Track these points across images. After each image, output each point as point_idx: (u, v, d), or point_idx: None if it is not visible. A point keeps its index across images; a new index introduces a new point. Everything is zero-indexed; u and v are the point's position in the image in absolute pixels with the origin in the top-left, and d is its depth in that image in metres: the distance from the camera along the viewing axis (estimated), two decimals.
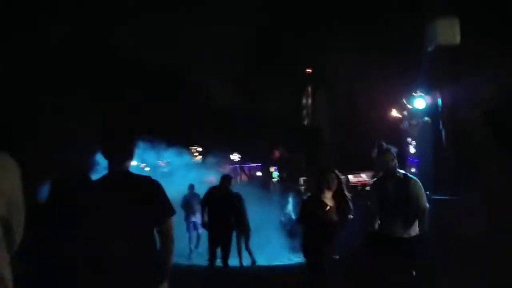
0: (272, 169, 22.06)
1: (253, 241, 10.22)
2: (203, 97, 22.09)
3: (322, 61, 21.68)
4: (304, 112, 29.00)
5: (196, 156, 20.23)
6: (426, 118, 8.88)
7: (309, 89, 29.43)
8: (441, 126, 8.15)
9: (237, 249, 9.47)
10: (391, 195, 4.81)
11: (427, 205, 4.84)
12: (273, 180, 19.60)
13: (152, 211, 2.69)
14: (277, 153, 21.96)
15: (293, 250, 11.14)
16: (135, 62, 18.84)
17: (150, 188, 2.76)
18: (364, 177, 23.59)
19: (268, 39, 23.66)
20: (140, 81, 18.89)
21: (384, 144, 4.95)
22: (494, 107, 7.87)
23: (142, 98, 18.54)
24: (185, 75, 21.37)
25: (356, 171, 23.27)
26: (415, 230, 4.76)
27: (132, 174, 2.81)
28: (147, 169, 16.97)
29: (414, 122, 9.25)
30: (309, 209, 4.94)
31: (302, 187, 13.19)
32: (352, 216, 4.89)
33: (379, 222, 4.89)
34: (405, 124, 9.67)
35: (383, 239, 4.81)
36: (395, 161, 4.90)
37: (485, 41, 7.87)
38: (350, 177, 24.36)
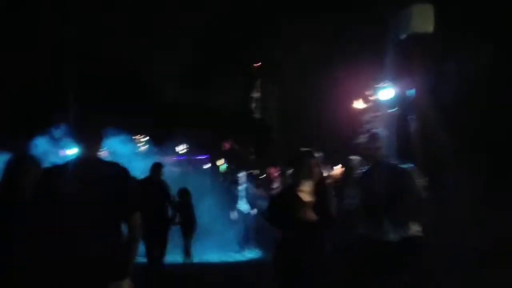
0: (220, 161, 21.10)
1: (204, 237, 9.40)
2: (152, 86, 20.92)
3: (274, 52, 21.08)
4: (253, 105, 28.34)
5: (141, 146, 18.89)
6: (392, 110, 8.27)
7: (258, 82, 28.81)
8: (409, 119, 7.54)
9: (184, 247, 8.46)
10: (378, 190, 3.95)
11: (425, 198, 3.94)
12: (222, 172, 18.66)
13: (121, 202, 2.54)
14: (227, 146, 21.03)
15: (245, 245, 10.41)
16: (83, 50, 17.74)
17: (121, 177, 2.62)
18: None
19: (219, 29, 22.78)
20: (87, 68, 17.75)
21: (372, 129, 4.16)
22: (462, 100, 7.46)
23: (88, 84, 17.40)
24: (135, 63, 20.25)
25: None
26: (407, 231, 3.95)
27: (102, 160, 2.72)
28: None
29: (378, 114, 8.62)
30: (282, 206, 3.67)
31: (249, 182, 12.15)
32: (334, 216, 3.84)
33: (363, 223, 4.04)
34: (368, 117, 9.01)
35: (368, 245, 3.95)
36: (383, 149, 4.08)
37: (458, 30, 7.45)
38: None
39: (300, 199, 3.63)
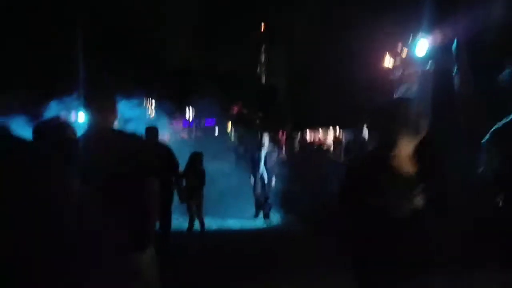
0: (228, 125, 20.30)
1: (223, 203, 8.78)
2: (157, 50, 19.93)
3: (283, 10, 19.95)
4: (259, 69, 27.33)
5: (148, 109, 18.12)
6: (428, 67, 7.30)
7: (263, 46, 27.69)
8: (451, 76, 6.59)
9: (189, 215, 7.43)
10: None
11: None
12: (238, 137, 17.87)
13: (139, 171, 2.39)
14: (235, 109, 20.19)
15: (266, 211, 9.70)
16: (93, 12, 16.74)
17: (138, 147, 2.48)
18: (321, 135, 22.64)
19: None
20: (94, 31, 16.80)
21: None
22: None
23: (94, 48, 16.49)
24: (141, 27, 19.24)
25: (312, 128, 22.29)
26: None
27: (117, 131, 2.51)
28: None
29: (411, 71, 7.65)
30: (365, 184, 2.17)
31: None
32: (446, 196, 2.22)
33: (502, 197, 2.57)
34: (399, 74, 8.05)
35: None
36: None
37: None
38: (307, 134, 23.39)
39: (396, 171, 2.03)
